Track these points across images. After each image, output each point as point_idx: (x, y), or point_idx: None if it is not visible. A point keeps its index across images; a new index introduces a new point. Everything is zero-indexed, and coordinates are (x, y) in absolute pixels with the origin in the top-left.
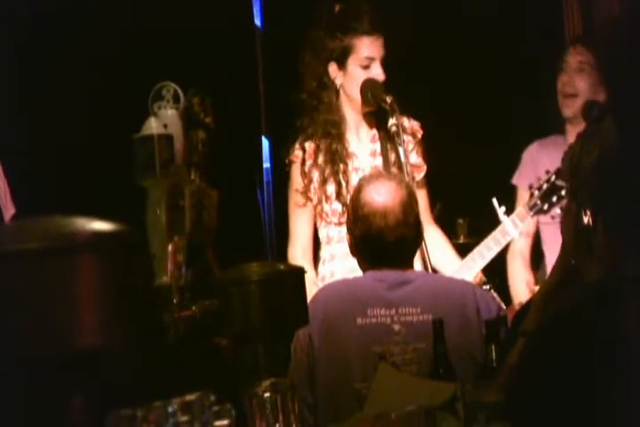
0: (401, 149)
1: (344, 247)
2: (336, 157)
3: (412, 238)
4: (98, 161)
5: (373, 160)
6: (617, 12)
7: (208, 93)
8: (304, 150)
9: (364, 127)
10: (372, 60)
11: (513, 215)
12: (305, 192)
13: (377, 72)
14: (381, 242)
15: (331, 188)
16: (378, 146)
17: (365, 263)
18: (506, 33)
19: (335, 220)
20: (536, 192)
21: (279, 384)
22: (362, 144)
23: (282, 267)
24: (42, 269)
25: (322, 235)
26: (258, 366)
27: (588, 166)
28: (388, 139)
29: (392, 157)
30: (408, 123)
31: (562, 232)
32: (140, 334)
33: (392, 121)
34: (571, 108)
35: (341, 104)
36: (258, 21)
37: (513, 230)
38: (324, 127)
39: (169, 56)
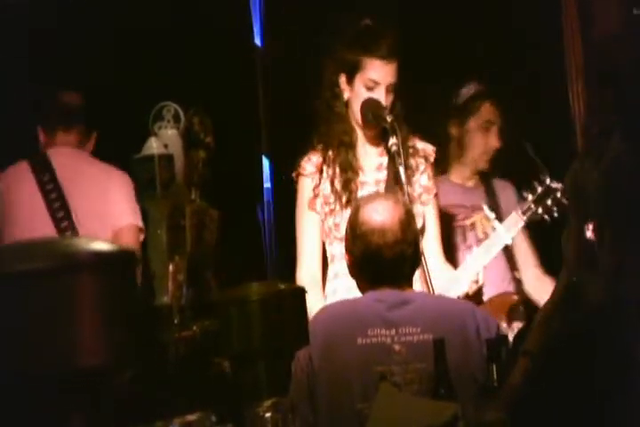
0: (401, 169)
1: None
2: (349, 168)
3: (410, 256)
4: None
5: (378, 174)
6: (616, 29)
7: (208, 113)
8: (313, 163)
9: (370, 141)
10: (376, 83)
11: (506, 221)
12: (315, 207)
13: (378, 97)
14: (380, 260)
15: (340, 200)
16: (385, 160)
17: (365, 283)
18: (506, 59)
19: (338, 234)
20: (530, 196)
21: (280, 404)
22: (368, 158)
23: (282, 286)
24: (45, 288)
25: (327, 253)
26: (258, 385)
27: (591, 184)
28: (389, 158)
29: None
30: (421, 145)
31: (563, 250)
32: (140, 353)
33: (392, 140)
34: (489, 162)
35: (349, 116)
36: (258, 41)
37: (507, 237)
38: (338, 136)
39: (169, 76)
